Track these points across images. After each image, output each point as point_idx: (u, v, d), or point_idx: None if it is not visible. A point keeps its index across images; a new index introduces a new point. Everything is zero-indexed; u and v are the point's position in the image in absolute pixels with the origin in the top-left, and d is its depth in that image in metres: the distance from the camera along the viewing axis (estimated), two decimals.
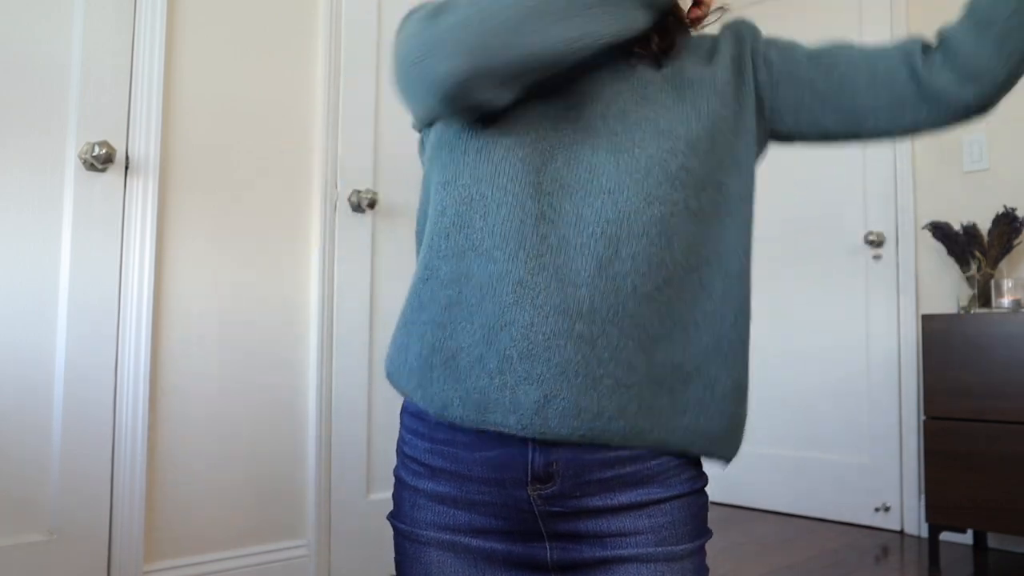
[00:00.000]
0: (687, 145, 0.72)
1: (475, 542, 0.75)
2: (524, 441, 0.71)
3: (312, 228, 2.03)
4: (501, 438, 0.71)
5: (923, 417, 2.37)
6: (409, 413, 0.80)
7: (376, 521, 2.07)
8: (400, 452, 0.81)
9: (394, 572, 0.85)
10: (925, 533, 2.67)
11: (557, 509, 0.73)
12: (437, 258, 0.74)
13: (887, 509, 2.79)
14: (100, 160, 1.62)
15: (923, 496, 2.60)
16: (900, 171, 2.85)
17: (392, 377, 0.80)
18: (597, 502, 0.72)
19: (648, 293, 0.69)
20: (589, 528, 0.73)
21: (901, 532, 2.75)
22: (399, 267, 2.19)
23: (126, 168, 1.70)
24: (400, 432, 0.81)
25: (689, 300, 0.72)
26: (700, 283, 0.73)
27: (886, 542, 2.62)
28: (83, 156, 1.63)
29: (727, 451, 0.77)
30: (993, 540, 2.57)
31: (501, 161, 0.72)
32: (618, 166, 0.71)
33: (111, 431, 1.65)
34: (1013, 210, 2.45)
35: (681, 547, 0.72)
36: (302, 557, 1.94)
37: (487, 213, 0.71)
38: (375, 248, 2.14)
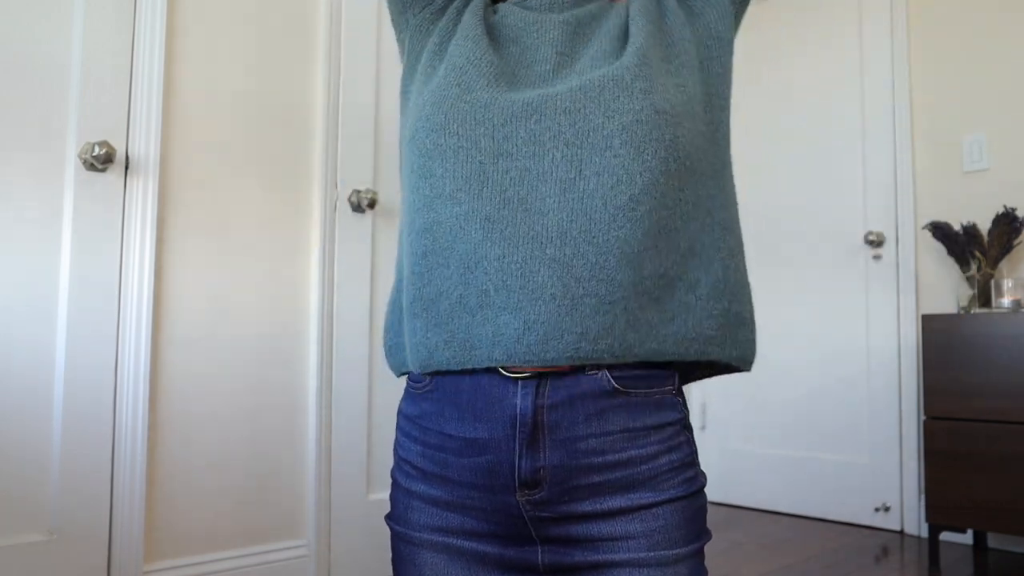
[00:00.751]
0: (637, 60, 0.74)
1: (468, 544, 0.75)
2: (511, 441, 0.70)
3: (312, 228, 2.03)
4: (488, 443, 0.71)
5: (923, 417, 2.37)
6: (404, 415, 0.80)
7: (376, 521, 2.07)
8: (396, 454, 0.81)
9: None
10: (925, 533, 2.67)
11: (547, 514, 0.72)
12: (412, 212, 0.76)
13: (887, 509, 2.79)
14: (100, 160, 1.63)
15: (923, 496, 2.59)
16: (900, 171, 2.85)
17: (389, 352, 0.82)
18: (587, 507, 0.72)
19: (621, 205, 0.69)
20: (580, 532, 0.72)
21: (901, 532, 2.75)
22: None
23: (126, 168, 1.70)
24: (396, 434, 0.82)
25: (671, 206, 0.71)
26: (678, 188, 0.72)
27: (886, 542, 2.62)
28: (83, 156, 1.63)
29: (731, 351, 0.74)
30: (993, 540, 2.57)
31: (451, 109, 0.74)
32: (571, 89, 0.73)
33: (111, 431, 1.65)
34: (1013, 210, 2.45)
35: (674, 552, 0.71)
36: (302, 557, 1.94)
37: (445, 159, 0.73)
38: (375, 248, 2.14)
